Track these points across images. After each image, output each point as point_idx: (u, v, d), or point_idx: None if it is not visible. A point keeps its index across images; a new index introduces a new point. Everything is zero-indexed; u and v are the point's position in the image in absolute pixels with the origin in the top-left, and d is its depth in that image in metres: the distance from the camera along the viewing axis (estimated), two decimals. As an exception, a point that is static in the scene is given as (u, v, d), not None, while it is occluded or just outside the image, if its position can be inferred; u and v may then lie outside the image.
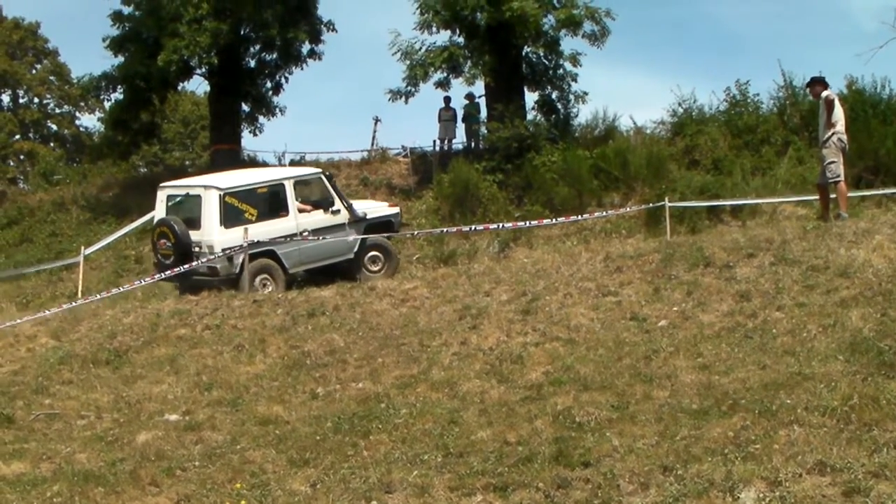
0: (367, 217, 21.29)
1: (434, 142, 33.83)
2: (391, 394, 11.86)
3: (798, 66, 62.87)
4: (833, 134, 17.58)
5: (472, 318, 14.58)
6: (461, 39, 31.71)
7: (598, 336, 12.96)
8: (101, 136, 42.77)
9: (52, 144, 61.32)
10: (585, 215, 20.44)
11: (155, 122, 36.91)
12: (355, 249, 20.97)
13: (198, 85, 42.57)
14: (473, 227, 20.11)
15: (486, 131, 31.00)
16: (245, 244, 19.01)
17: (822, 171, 18.09)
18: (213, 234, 19.41)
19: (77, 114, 62.24)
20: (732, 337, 11.96)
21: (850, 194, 19.06)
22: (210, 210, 19.51)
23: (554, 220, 20.31)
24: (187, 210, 20.20)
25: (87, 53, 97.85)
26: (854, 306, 12.01)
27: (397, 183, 32.07)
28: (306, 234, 20.17)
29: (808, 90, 20.42)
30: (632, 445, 8.62)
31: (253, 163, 35.72)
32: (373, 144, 35.40)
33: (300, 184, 21.39)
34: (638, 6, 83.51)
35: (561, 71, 32.20)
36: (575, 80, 32.14)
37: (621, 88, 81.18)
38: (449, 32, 31.71)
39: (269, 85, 35.78)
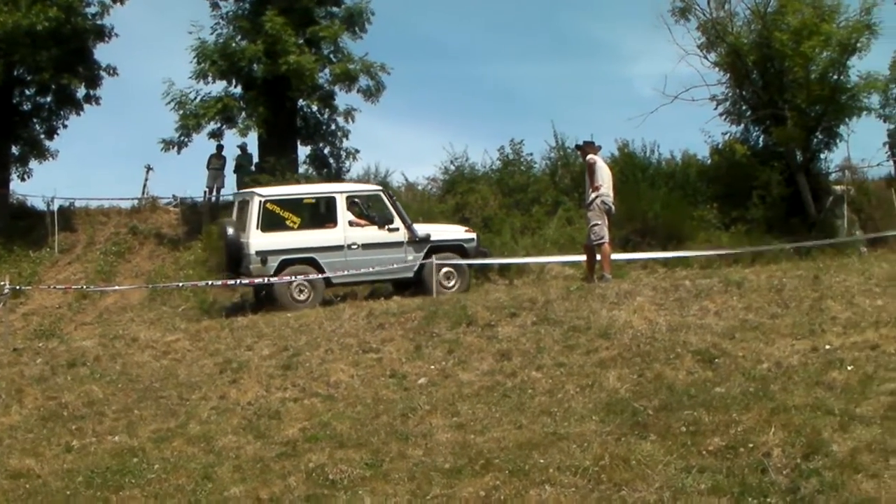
0: (431, 238, 21.49)
1: (204, 192, 33.54)
2: (147, 448, 11.47)
3: (575, 128, 64.45)
4: (597, 196, 17.98)
5: (233, 372, 14.30)
6: (237, 90, 31.55)
7: (356, 393, 12.82)
8: None
9: None
10: (351, 270, 20.43)
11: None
12: (414, 268, 21.32)
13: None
14: (238, 282, 19.92)
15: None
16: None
17: (588, 232, 18.44)
18: (250, 236, 20.57)
19: None
20: (491, 396, 11.95)
21: (615, 256, 19.48)
22: (252, 214, 20.65)
23: (316, 276, 20.21)
24: (245, 213, 21.27)
25: None
26: (612, 367, 12.21)
27: (166, 233, 31.52)
28: (355, 247, 20.92)
29: (577, 152, 20.97)
30: (384, 504, 8.46)
31: (22, 208, 34.53)
32: (143, 193, 34.68)
33: (355, 198, 22.00)
34: (415, 63, 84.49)
35: (333, 126, 32.47)
36: (347, 136, 32.50)
37: (395, 144, 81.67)
38: (225, 83, 31.53)
39: (42, 129, 34.61)
